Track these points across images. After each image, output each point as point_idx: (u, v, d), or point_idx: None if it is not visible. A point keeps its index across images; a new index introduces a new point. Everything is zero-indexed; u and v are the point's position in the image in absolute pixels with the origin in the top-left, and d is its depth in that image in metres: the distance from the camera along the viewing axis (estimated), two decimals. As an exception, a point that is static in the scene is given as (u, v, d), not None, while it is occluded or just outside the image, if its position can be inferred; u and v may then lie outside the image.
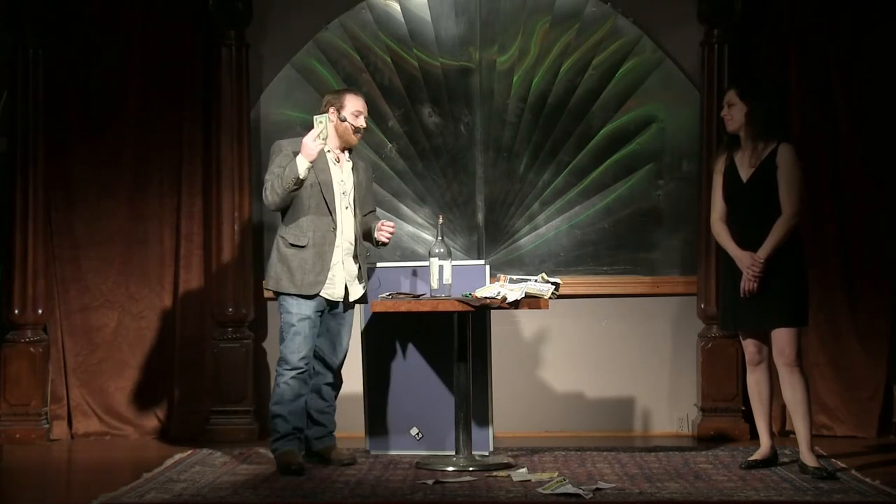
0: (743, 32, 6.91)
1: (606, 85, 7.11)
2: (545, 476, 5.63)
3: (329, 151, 6.01)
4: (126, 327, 7.08)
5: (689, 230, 7.06)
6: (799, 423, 5.71)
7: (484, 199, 7.16)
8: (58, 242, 7.07)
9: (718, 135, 6.49)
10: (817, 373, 6.85)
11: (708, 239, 6.72)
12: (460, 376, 5.98)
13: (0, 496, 5.59)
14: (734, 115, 5.82)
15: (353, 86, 6.83)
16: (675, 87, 7.09)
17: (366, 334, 6.41)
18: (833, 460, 6.01)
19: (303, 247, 5.90)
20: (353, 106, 6.00)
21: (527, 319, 7.08)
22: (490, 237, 7.16)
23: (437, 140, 7.16)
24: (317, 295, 5.89)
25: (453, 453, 6.01)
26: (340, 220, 5.95)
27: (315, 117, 5.80)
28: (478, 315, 6.03)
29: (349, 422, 6.62)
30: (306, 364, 5.90)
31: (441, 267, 5.90)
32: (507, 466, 5.90)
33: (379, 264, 6.37)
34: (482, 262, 6.45)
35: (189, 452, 6.38)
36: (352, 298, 6.02)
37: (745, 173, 5.81)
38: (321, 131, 5.75)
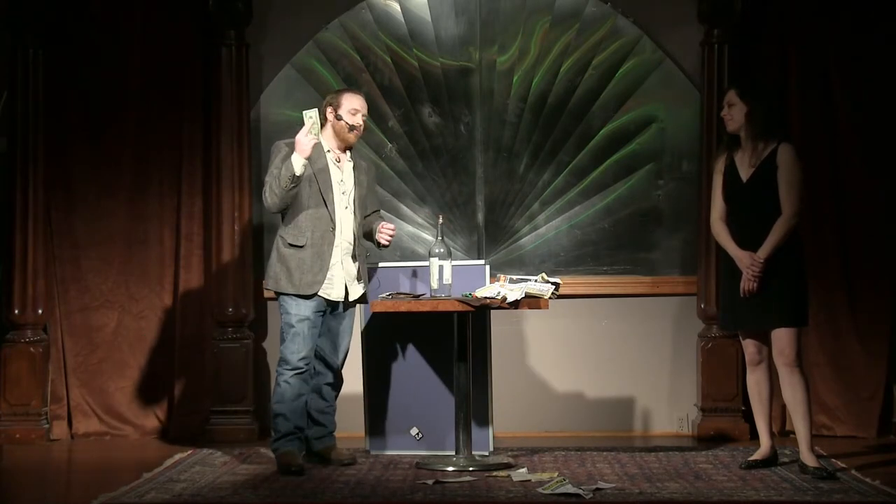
0: (743, 32, 6.91)
1: (606, 85, 7.11)
2: (545, 476, 5.63)
3: (329, 151, 6.02)
4: (126, 327, 7.08)
5: (689, 230, 7.06)
6: (799, 423, 5.71)
7: (484, 199, 7.16)
8: (58, 242, 7.07)
9: (718, 135, 6.50)
10: (817, 373, 6.85)
11: (708, 239, 6.72)
12: (460, 376, 5.98)
13: (0, 496, 5.59)
14: (734, 115, 5.82)
15: (353, 86, 6.83)
16: (675, 87, 7.09)
17: (366, 334, 6.41)
18: (833, 460, 6.01)
19: (301, 246, 5.90)
20: (350, 104, 6.00)
21: (527, 319, 7.08)
22: (490, 237, 7.16)
23: (437, 140, 7.16)
24: (315, 294, 5.89)
25: (453, 453, 6.01)
26: (339, 220, 5.95)
27: (304, 112, 5.79)
28: (478, 315, 6.03)
29: (349, 422, 6.62)
30: (306, 364, 5.90)
31: (441, 267, 5.90)
32: (507, 466, 5.90)
33: (379, 264, 6.37)
34: (482, 262, 6.45)
35: (189, 452, 6.38)
36: (351, 298, 6.02)
37: (745, 173, 5.81)
38: (312, 126, 5.75)
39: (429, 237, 7.05)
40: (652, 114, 7.11)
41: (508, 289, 5.83)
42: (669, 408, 7.09)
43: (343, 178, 6.01)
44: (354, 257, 6.01)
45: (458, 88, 7.15)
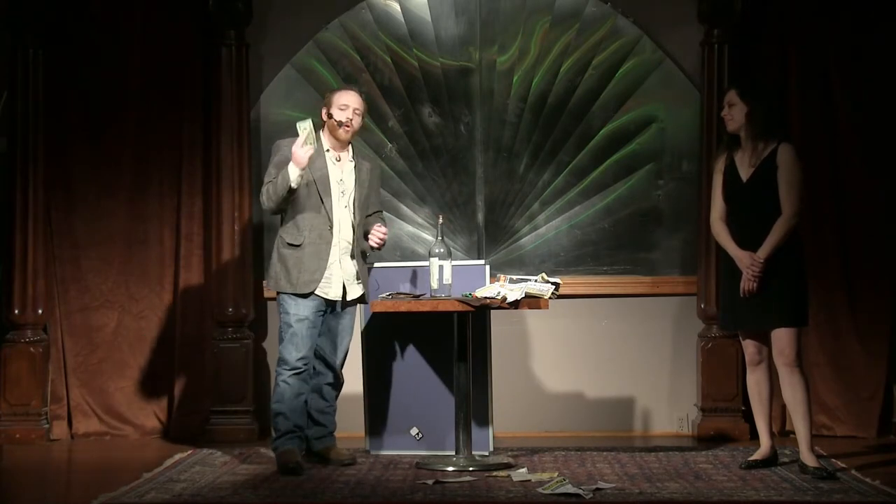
0: (743, 32, 6.91)
1: (606, 85, 7.11)
2: (545, 476, 5.63)
3: (328, 151, 6.02)
4: (126, 327, 7.08)
5: (689, 230, 7.06)
6: (799, 423, 5.71)
7: (484, 199, 7.16)
8: (58, 242, 7.07)
9: (718, 135, 6.50)
10: (817, 373, 6.85)
11: (708, 239, 6.72)
12: (460, 376, 5.98)
13: (0, 496, 5.59)
14: (734, 115, 5.82)
15: (353, 85, 6.81)
16: (675, 87, 7.09)
17: (366, 334, 6.41)
18: (833, 460, 6.01)
19: (299, 246, 5.91)
20: (339, 100, 5.99)
21: (527, 319, 7.08)
22: (490, 237, 7.16)
23: (437, 140, 7.16)
24: (312, 293, 5.89)
25: (453, 453, 6.01)
26: (338, 220, 5.95)
27: (298, 124, 5.80)
28: (478, 315, 6.03)
29: (349, 422, 6.61)
30: (305, 364, 5.90)
31: (441, 267, 5.90)
32: (507, 466, 5.90)
33: (379, 264, 6.37)
34: (482, 262, 6.45)
35: (189, 452, 6.38)
36: (350, 298, 6.02)
37: (745, 173, 5.81)
38: (306, 136, 5.74)
39: (429, 237, 7.05)
40: (652, 114, 7.11)
41: (508, 289, 5.83)
42: (669, 408, 7.09)
43: (343, 177, 6.01)
44: (353, 257, 6.01)
45: (458, 88, 7.15)
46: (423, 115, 7.16)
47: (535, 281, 5.90)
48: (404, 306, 5.88)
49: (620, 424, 7.07)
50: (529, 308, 5.89)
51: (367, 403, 6.41)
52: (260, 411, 6.94)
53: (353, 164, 6.06)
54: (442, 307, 5.83)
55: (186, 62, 7.04)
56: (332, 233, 5.93)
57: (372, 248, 6.01)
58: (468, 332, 5.98)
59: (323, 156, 5.98)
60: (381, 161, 7.08)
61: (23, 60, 6.93)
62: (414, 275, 6.29)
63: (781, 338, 5.70)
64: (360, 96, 6.08)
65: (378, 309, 5.92)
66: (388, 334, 6.37)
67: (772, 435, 5.94)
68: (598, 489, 5.34)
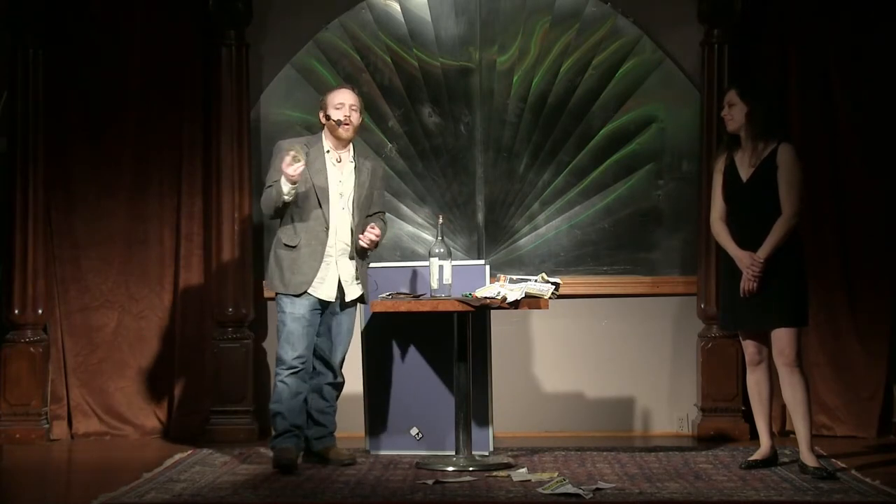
0: (743, 32, 6.91)
1: (606, 85, 7.11)
2: (545, 476, 5.63)
3: (328, 152, 6.02)
4: (126, 327, 7.08)
5: (689, 230, 7.06)
6: (799, 423, 5.71)
7: (484, 199, 7.16)
8: (58, 242, 7.07)
9: (718, 135, 6.50)
10: (817, 373, 6.85)
11: (708, 239, 6.72)
12: (460, 376, 5.98)
13: (0, 496, 5.59)
14: (734, 114, 5.82)
15: (353, 85, 6.80)
16: (675, 87, 7.09)
17: (366, 334, 6.41)
18: (833, 460, 6.01)
19: (294, 247, 5.93)
20: (334, 100, 6.01)
21: (526, 319, 7.08)
22: (490, 237, 7.16)
23: (437, 140, 7.16)
24: (304, 293, 5.90)
25: (453, 453, 6.01)
26: (335, 221, 5.95)
27: (279, 142, 5.85)
28: (478, 315, 6.03)
29: (349, 422, 6.61)
30: (302, 363, 5.91)
31: (441, 267, 5.90)
32: (507, 466, 5.90)
33: (379, 264, 6.37)
34: (482, 262, 6.45)
35: (189, 452, 6.38)
36: (347, 299, 6.02)
37: (745, 173, 5.81)
38: (293, 157, 5.74)
39: (429, 237, 7.05)
40: (652, 114, 7.11)
41: (508, 289, 5.83)
42: (669, 408, 7.09)
43: (342, 178, 6.01)
44: (352, 257, 6.00)
45: (458, 88, 7.15)
46: (423, 115, 7.16)
47: (535, 281, 5.90)
48: (404, 306, 5.88)
49: (620, 424, 7.07)
50: (529, 308, 5.89)
51: (367, 403, 6.41)
52: (260, 411, 6.94)
53: (353, 164, 6.06)
54: (442, 307, 5.83)
55: (186, 62, 7.04)
56: (327, 234, 5.94)
57: (363, 248, 6.00)
58: (468, 332, 5.98)
59: (322, 157, 5.98)
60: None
61: (23, 60, 6.93)
62: (414, 275, 6.29)
63: (781, 338, 5.70)
64: (354, 92, 6.09)
65: (378, 309, 5.92)
66: (388, 334, 6.37)
67: (772, 435, 5.94)
68: (598, 489, 5.34)
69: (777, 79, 6.91)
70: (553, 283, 5.88)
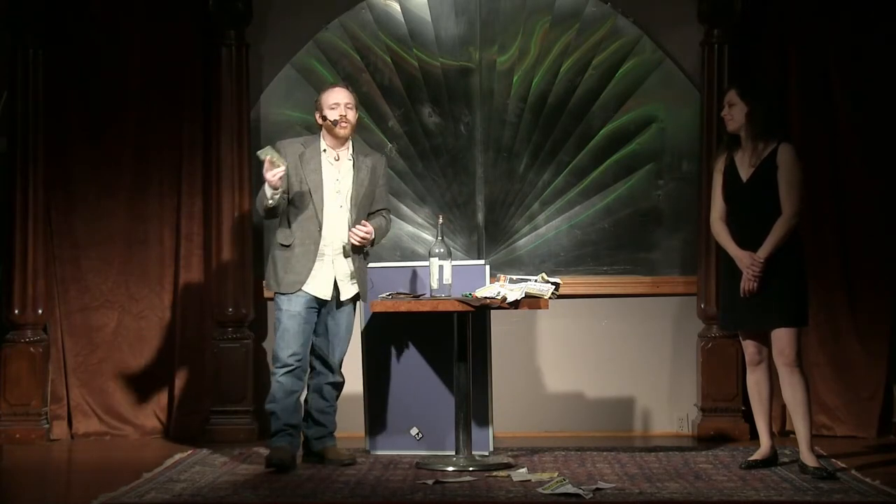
0: (743, 32, 6.91)
1: (606, 85, 7.11)
2: (545, 476, 5.63)
3: (325, 151, 6.03)
4: (126, 327, 7.08)
5: (689, 230, 7.06)
6: (799, 423, 5.71)
7: (484, 199, 7.16)
8: (58, 242, 7.07)
9: (718, 135, 6.50)
10: (817, 373, 6.85)
11: (708, 239, 6.72)
12: (460, 376, 5.98)
13: (0, 496, 5.59)
14: (734, 114, 5.82)
15: (353, 85, 6.79)
16: (675, 87, 7.09)
17: (366, 334, 6.41)
18: (833, 460, 6.01)
19: (289, 246, 5.95)
20: (328, 100, 6.02)
21: (527, 319, 7.08)
22: (490, 237, 7.16)
23: (437, 140, 7.16)
24: (298, 291, 5.90)
25: (453, 453, 6.01)
26: (330, 220, 5.96)
27: (257, 153, 5.85)
28: (478, 315, 6.03)
29: (349, 422, 6.61)
30: (297, 361, 5.92)
31: (441, 267, 5.90)
32: (507, 466, 5.90)
33: (379, 264, 6.37)
34: (482, 262, 6.45)
35: (189, 452, 6.38)
36: (343, 298, 6.02)
37: (745, 173, 5.81)
38: (270, 161, 5.75)
39: (429, 237, 7.05)
40: (652, 114, 7.11)
41: (508, 289, 5.82)
42: (669, 408, 7.09)
43: (339, 176, 6.02)
44: (347, 255, 6.00)
45: (458, 88, 7.15)
46: (423, 115, 7.16)
47: (535, 281, 5.90)
48: (404, 306, 5.88)
49: (620, 424, 7.07)
50: (529, 308, 5.90)
51: (367, 403, 6.41)
52: (260, 411, 6.93)
53: (351, 162, 6.06)
54: (442, 307, 5.83)
55: (186, 62, 7.04)
56: (321, 234, 5.94)
57: (357, 245, 5.98)
58: (468, 332, 5.98)
59: (318, 157, 5.99)
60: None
61: (23, 60, 6.93)
62: (414, 275, 6.29)
63: (781, 338, 5.70)
64: (348, 89, 6.08)
65: (378, 309, 5.92)
66: (388, 334, 6.37)
67: (772, 435, 5.93)
68: (598, 489, 5.34)
69: (777, 79, 6.91)
70: (553, 283, 5.88)
